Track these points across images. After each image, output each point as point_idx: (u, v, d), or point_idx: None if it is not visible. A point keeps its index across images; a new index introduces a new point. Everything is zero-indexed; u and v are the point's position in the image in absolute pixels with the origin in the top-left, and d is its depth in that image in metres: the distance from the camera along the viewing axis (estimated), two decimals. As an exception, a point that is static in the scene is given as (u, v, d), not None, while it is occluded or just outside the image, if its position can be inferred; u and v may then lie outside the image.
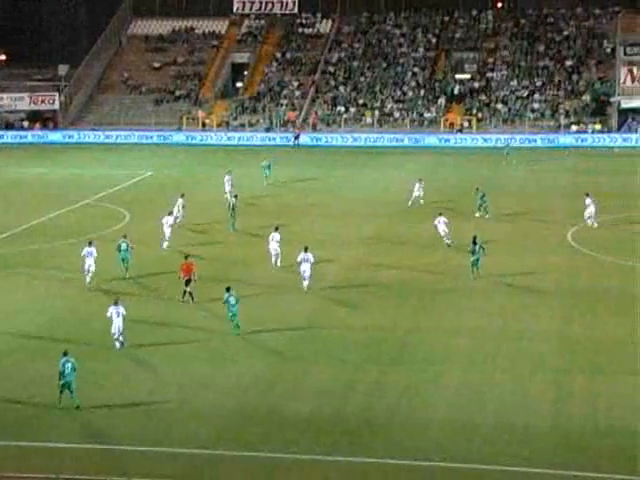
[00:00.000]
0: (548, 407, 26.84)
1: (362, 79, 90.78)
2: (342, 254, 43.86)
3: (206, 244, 45.58)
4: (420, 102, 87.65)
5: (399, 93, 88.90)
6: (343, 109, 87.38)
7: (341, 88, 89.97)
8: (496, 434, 25.07)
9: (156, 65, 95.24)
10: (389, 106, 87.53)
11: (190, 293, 36.04)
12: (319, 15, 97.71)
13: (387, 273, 40.95)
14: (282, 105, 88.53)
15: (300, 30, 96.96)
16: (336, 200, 53.05)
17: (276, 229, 41.24)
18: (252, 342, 32.39)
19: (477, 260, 38.95)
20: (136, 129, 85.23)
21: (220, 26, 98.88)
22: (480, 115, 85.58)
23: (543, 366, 29.79)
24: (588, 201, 49.09)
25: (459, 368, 29.80)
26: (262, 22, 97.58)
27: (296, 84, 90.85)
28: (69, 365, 26.68)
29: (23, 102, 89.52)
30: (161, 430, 25.75)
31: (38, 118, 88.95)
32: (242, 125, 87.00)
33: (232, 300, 32.69)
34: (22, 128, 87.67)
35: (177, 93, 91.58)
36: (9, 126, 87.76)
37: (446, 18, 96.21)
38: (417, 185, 54.51)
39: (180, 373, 29.65)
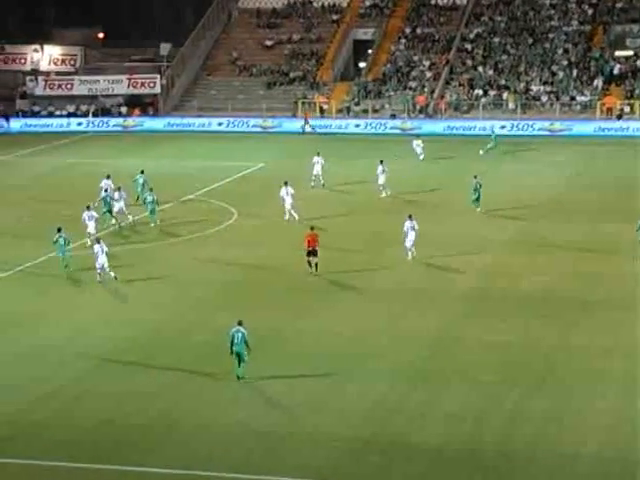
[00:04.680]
0: None
1: (504, 58, 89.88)
2: (477, 259, 43.64)
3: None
4: (572, 84, 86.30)
5: (547, 74, 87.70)
6: (481, 92, 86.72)
7: (479, 68, 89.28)
8: (658, 473, 24.59)
9: (268, 43, 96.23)
10: (535, 89, 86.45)
11: (316, 264, 40.95)
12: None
13: (530, 281, 40.55)
14: (411, 88, 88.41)
15: (433, 1, 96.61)
16: (470, 197, 52.60)
17: (285, 183, 49.69)
18: (372, 359, 32.47)
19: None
20: (245, 115, 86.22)
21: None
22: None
23: None
24: None
25: (613, 394, 29.30)
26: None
27: (427, 64, 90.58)
28: (239, 335, 30.02)
29: (121, 85, 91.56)
30: (269, 457, 26.07)
31: (137, 103, 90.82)
32: (365, 111, 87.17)
33: (61, 241, 41.34)
34: (119, 114, 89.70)
35: (292, 75, 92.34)
36: (105, 112, 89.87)
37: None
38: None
39: (291, 393, 29.96)
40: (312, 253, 41.37)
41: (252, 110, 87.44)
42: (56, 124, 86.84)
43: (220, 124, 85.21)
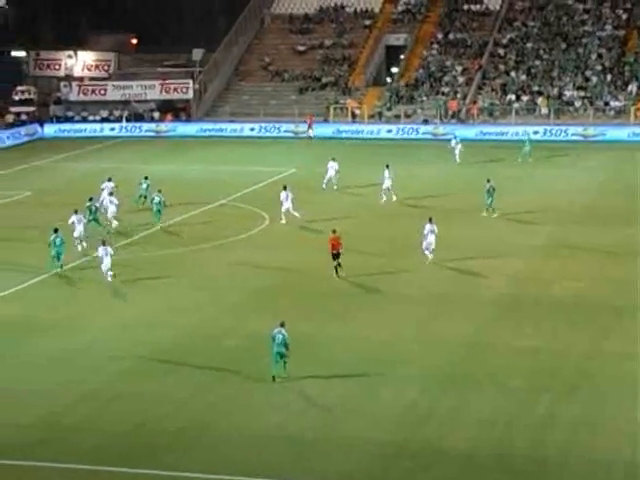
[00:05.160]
0: None
1: (537, 63, 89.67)
2: (508, 264, 43.60)
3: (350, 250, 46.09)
4: (606, 89, 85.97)
5: (581, 79, 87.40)
6: (514, 98, 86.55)
7: (512, 73, 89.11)
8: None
9: (301, 49, 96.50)
10: (569, 94, 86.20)
11: (338, 265, 41.43)
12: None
13: (561, 286, 40.50)
14: (443, 93, 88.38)
15: (465, 7, 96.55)
16: (502, 202, 52.60)
17: (285, 187, 51.60)
18: (402, 364, 32.55)
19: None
20: (277, 120, 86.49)
21: (373, 3, 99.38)
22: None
23: None
24: None
25: (647, 401, 29.19)
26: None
27: (460, 69, 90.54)
28: (280, 336, 30.73)
29: (154, 91, 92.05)
30: (300, 462, 26.22)
31: (170, 108, 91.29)
32: (397, 116, 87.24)
33: (58, 241, 42.30)
34: (152, 120, 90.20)
35: (324, 80, 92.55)
36: (138, 117, 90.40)
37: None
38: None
39: (323, 397, 30.10)
40: (336, 256, 41.94)
41: (284, 115, 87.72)
42: (89, 129, 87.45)
43: (252, 129, 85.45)
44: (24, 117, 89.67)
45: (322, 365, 32.43)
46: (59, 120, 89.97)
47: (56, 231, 43.58)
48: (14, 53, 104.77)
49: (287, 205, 51.45)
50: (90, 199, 49.53)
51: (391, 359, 33.02)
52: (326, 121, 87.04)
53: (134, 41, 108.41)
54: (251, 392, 30.74)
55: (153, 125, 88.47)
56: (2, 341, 35.62)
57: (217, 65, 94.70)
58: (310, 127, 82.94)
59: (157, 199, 51.10)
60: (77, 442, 27.56)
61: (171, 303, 39.70)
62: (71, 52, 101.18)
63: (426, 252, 43.66)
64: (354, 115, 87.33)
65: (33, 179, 65.06)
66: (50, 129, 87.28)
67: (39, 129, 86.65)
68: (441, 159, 69.40)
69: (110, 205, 50.96)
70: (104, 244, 42.02)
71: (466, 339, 34.85)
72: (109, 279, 41.45)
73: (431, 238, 43.58)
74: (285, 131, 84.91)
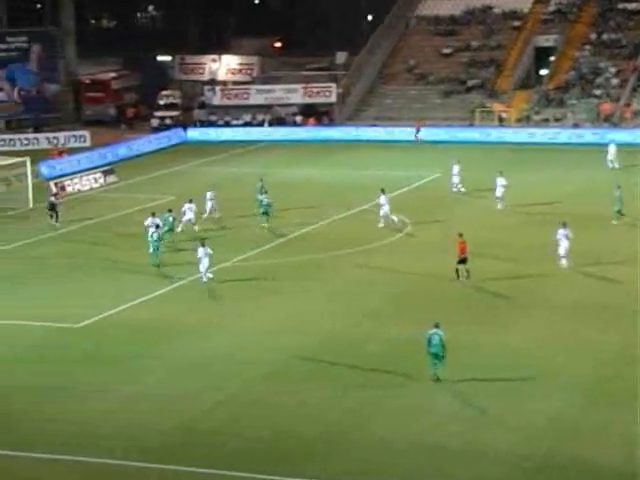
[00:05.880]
0: None
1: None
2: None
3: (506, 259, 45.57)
4: None
5: None
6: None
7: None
8: None
9: (446, 51, 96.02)
10: None
11: (461, 271, 41.65)
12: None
13: None
14: (595, 96, 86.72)
15: (620, 6, 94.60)
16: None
17: (382, 191, 52.37)
18: (551, 375, 32.06)
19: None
20: (421, 125, 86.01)
21: (522, 4, 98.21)
22: None
23: None
24: None
25: None
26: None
27: (613, 70, 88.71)
28: (436, 337, 31.22)
29: (296, 95, 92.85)
30: (438, 473, 26.13)
31: (312, 112, 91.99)
32: (546, 120, 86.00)
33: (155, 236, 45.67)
34: (294, 124, 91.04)
35: (469, 83, 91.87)
36: (281, 122, 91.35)
37: None
38: None
39: (465, 407, 29.91)
40: (462, 261, 42.00)
41: (428, 119, 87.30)
42: (232, 133, 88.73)
43: (395, 133, 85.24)
44: (168, 121, 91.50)
45: (464, 373, 32.17)
46: (202, 124, 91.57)
47: (157, 227, 46.14)
48: (160, 57, 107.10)
49: (386, 209, 51.96)
50: (170, 210, 50.30)
51: (536, 368, 32.57)
52: (471, 125, 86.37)
53: (278, 44, 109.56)
54: (391, 399, 30.71)
55: (295, 129, 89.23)
56: (145, 345, 36.42)
57: (360, 68, 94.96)
58: (418, 131, 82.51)
59: (265, 201, 52.68)
60: (216, 447, 27.99)
61: (310, 308, 39.96)
62: (215, 56, 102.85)
63: (562, 260, 43.15)
64: (501, 119, 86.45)
65: (176, 183, 66.27)
66: (193, 133, 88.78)
67: (183, 133, 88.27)
68: (591, 164, 67.95)
69: (188, 212, 51.70)
70: (203, 245, 43.04)
71: (614, 350, 34.14)
72: (204, 280, 42.77)
73: (565, 243, 43.22)
74: (430, 134, 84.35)
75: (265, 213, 52.87)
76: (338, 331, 37.11)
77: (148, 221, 47.85)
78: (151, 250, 45.96)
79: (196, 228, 51.72)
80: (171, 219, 49.71)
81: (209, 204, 54.47)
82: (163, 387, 32.56)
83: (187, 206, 51.88)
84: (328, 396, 31.11)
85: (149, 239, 46.50)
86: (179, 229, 51.10)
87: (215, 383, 32.54)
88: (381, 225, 52.17)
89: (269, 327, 37.79)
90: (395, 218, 52.18)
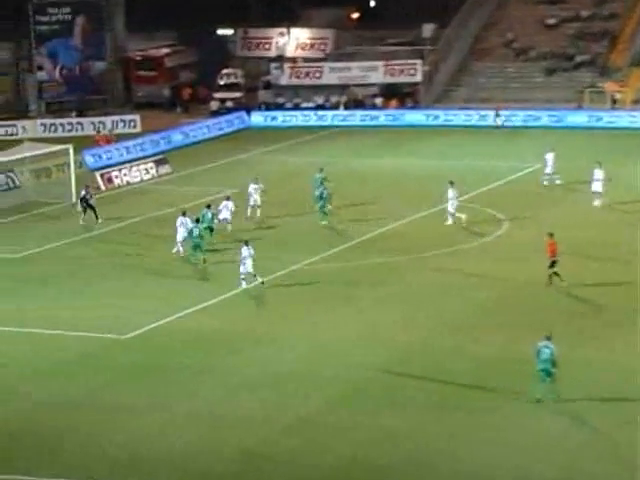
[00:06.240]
0: None
1: None
2: None
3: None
4: None
5: None
6: None
7: None
8: None
9: (550, 22, 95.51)
10: None
11: (553, 274, 42.22)
12: None
13: None
14: None
15: None
16: None
17: (451, 183, 52.83)
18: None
19: None
20: (520, 107, 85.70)
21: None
22: None
23: None
24: None
25: None
26: None
27: None
28: (547, 351, 31.37)
29: (376, 73, 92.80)
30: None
31: (395, 94, 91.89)
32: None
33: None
34: (374, 107, 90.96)
35: (577, 59, 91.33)
36: (358, 104, 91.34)
37: None
38: None
39: (573, 432, 29.99)
40: (553, 263, 42.55)
41: (528, 101, 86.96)
42: (302, 118, 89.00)
43: (489, 117, 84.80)
44: (229, 104, 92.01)
45: (570, 393, 32.01)
46: (268, 107, 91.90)
47: (197, 221, 47.30)
48: (220, 31, 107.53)
49: (454, 204, 52.61)
50: (208, 206, 50.76)
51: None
52: (579, 108, 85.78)
53: (355, 16, 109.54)
54: (480, 425, 30.73)
55: (375, 112, 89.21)
56: (202, 359, 36.85)
57: (450, 43, 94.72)
58: (498, 115, 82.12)
59: (325, 193, 53.47)
60: (282, 476, 28.25)
61: (387, 318, 40.11)
62: (283, 29, 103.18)
63: None
64: (614, 101, 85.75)
65: (240, 174, 66.33)
66: (258, 117, 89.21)
67: (246, 117, 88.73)
68: None
69: (224, 210, 52.01)
70: (247, 244, 43.75)
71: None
72: (244, 285, 43.61)
73: None
74: (530, 118, 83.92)
75: (322, 208, 53.35)
76: (417, 343, 37.27)
77: (178, 221, 48.35)
78: (192, 249, 46.74)
79: (229, 228, 52.05)
80: (210, 215, 50.02)
81: (252, 198, 54.88)
82: (221, 406, 32.85)
83: (224, 203, 52.33)
84: (407, 420, 31.23)
85: (178, 240, 47.76)
86: (229, 228, 51.77)
87: (283, 403, 32.78)
88: (449, 223, 52.40)
89: (342, 339, 38.01)
90: (463, 216, 52.25)
